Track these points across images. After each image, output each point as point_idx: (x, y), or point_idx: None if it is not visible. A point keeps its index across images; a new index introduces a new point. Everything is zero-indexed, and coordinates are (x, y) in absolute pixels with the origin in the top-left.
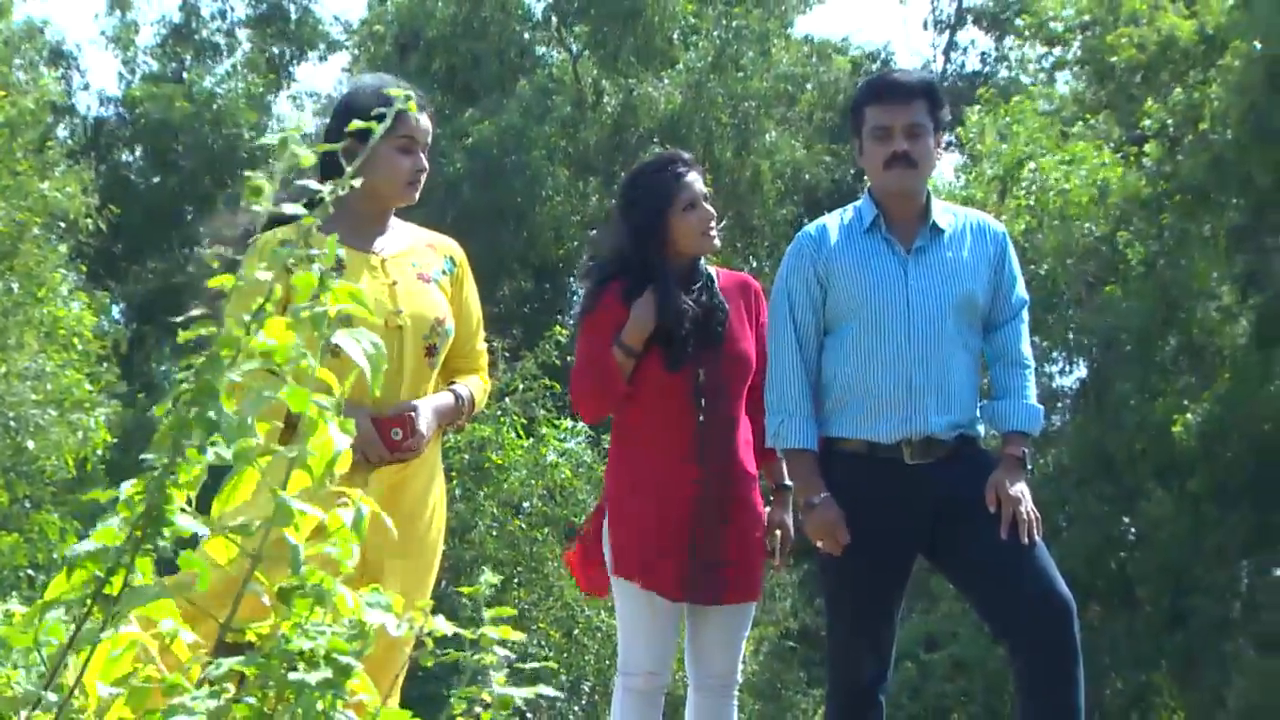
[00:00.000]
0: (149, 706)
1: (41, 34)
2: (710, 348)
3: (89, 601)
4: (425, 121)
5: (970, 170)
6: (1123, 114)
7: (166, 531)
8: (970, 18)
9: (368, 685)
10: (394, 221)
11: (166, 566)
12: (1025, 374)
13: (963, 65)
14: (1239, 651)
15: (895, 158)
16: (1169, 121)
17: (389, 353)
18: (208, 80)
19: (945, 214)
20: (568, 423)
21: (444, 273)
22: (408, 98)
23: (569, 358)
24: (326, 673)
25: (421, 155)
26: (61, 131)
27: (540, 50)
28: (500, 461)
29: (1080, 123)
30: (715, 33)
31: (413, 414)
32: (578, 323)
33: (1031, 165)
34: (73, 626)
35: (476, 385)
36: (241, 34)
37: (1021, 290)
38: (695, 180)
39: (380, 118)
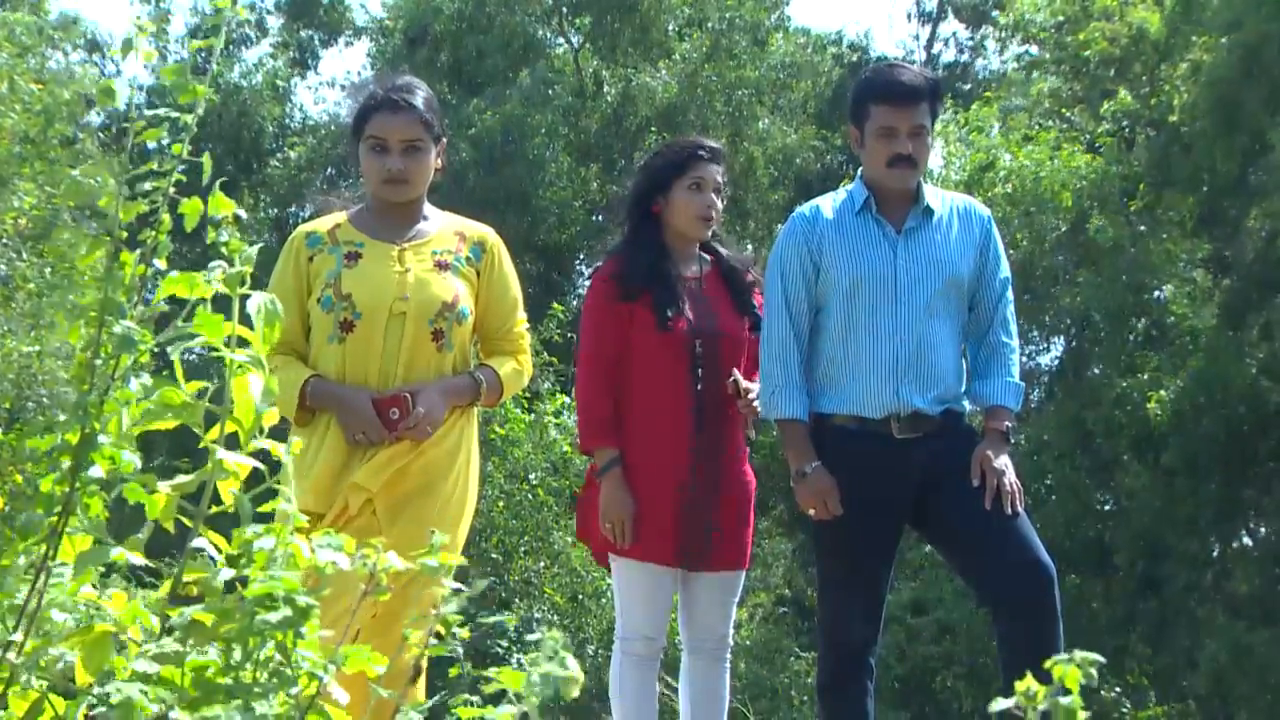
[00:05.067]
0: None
1: (76, 25)
2: (707, 322)
3: (44, 547)
4: (401, 122)
5: (935, 177)
6: (1096, 108)
7: (98, 462)
8: (951, 10)
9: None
10: (429, 211)
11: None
12: (1008, 351)
13: (940, 56)
14: (1210, 616)
15: (899, 159)
16: (1125, 119)
17: (390, 337)
18: (235, 70)
19: (934, 197)
20: (563, 398)
21: (468, 259)
22: (371, 98)
23: (570, 335)
24: (286, 611)
25: (396, 156)
26: (95, 118)
27: (544, 37)
28: (504, 434)
29: (1055, 117)
30: (710, 23)
31: (409, 395)
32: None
33: (1007, 156)
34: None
35: (508, 367)
36: (272, 21)
37: (1005, 271)
38: (711, 169)
39: (355, 121)
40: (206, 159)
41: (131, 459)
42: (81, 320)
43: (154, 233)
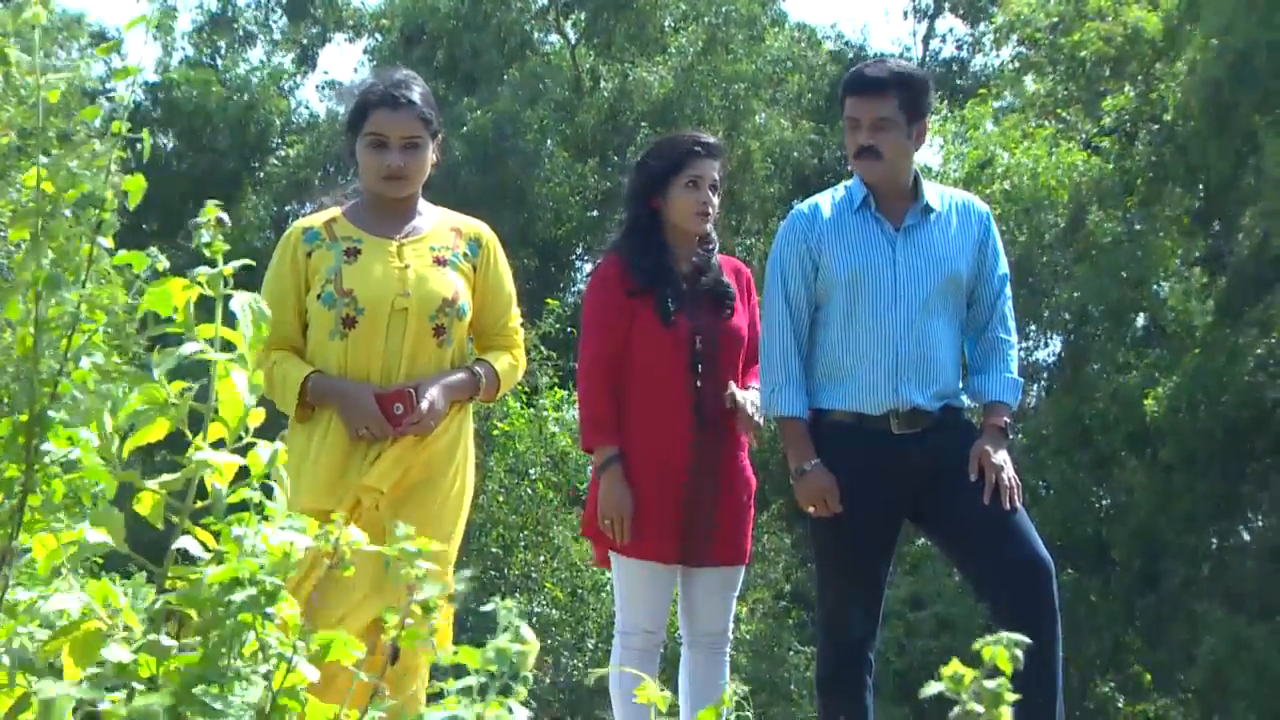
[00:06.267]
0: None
1: (79, 24)
2: (709, 318)
3: (6, 531)
4: (400, 118)
5: (933, 174)
6: (1091, 108)
7: (51, 439)
8: (948, 5)
9: (294, 606)
10: (424, 207)
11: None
12: (1007, 348)
13: (940, 53)
14: (1208, 611)
15: (861, 150)
16: (1125, 116)
17: (393, 333)
18: (241, 66)
19: (933, 194)
20: (562, 393)
21: (465, 255)
22: (370, 94)
23: (569, 329)
24: (250, 591)
25: (395, 152)
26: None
27: (539, 39)
28: (506, 429)
29: (1050, 117)
30: (705, 18)
31: (413, 390)
32: (586, 293)
33: (1005, 156)
34: None
35: (504, 362)
36: (275, 17)
37: (1004, 267)
38: (707, 165)
39: (354, 117)
40: (145, 135)
41: (89, 437)
42: (19, 295)
43: (97, 211)
